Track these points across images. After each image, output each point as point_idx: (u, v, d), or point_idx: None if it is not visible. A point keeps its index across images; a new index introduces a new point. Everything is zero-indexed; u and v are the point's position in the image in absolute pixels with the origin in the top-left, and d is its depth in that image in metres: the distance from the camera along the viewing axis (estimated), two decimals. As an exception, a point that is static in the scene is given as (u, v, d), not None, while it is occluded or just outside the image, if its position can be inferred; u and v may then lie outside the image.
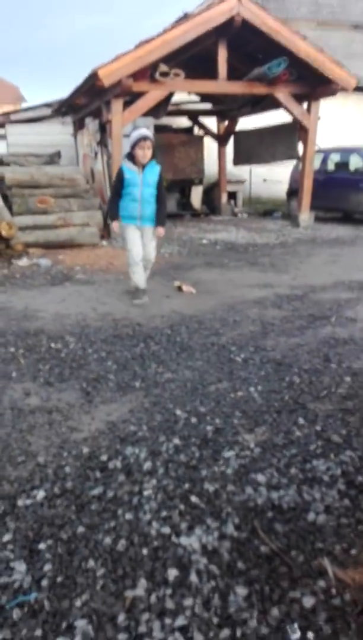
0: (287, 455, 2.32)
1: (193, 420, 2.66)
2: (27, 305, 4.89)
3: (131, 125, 11.79)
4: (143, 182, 4.66)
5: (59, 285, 5.73)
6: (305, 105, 9.93)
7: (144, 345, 3.76)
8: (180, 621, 1.48)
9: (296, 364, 3.40)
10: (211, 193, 13.46)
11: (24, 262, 6.95)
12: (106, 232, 8.75)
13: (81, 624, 1.47)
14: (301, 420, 2.64)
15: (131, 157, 4.67)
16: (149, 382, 3.13)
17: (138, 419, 2.68)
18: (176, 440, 2.45)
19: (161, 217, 4.82)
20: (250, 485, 2.10)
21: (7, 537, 1.81)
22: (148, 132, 4.71)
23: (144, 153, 4.57)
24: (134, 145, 4.59)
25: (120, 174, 4.73)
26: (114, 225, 4.93)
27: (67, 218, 8.23)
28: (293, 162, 11.69)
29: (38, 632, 1.44)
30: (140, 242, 4.84)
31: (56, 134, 12.51)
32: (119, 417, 2.71)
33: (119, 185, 4.76)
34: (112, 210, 4.93)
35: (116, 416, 2.72)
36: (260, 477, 2.15)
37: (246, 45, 9.71)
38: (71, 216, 8.31)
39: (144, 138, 4.55)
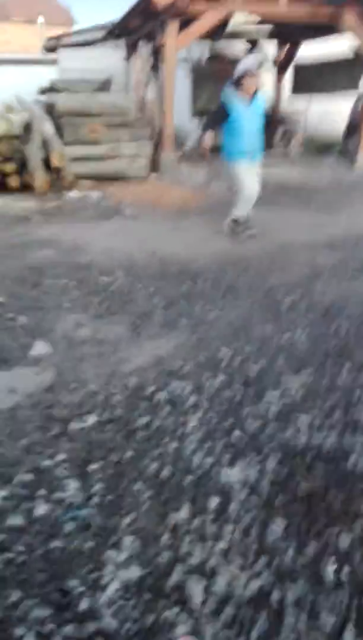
0: (332, 399, 2.34)
1: (238, 359, 2.69)
2: (77, 237, 4.94)
3: (185, 50, 11.21)
4: (252, 114, 4.54)
5: (109, 220, 5.73)
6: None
7: (192, 283, 3.76)
8: (221, 545, 1.57)
9: (345, 309, 3.34)
10: (266, 126, 12.87)
11: (74, 194, 6.95)
12: (155, 165, 8.57)
13: (128, 540, 1.58)
14: (347, 366, 2.62)
15: (236, 86, 4.46)
16: (195, 320, 3.16)
17: (183, 354, 2.73)
18: (221, 377, 2.50)
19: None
20: (292, 426, 2.14)
21: (60, 457, 1.94)
22: (256, 60, 4.82)
23: (254, 83, 4.41)
24: (243, 75, 4.41)
25: (223, 107, 4.53)
26: (207, 139, 4.62)
27: (117, 149, 8.08)
28: (354, 97, 10.93)
29: (88, 544, 1.57)
30: (252, 176, 4.73)
31: (109, 59, 12.06)
32: (166, 352, 2.77)
33: (219, 116, 4.56)
34: (207, 124, 4.73)
35: (162, 351, 2.78)
36: (303, 419, 2.19)
37: None
38: (121, 147, 8.15)
39: (254, 68, 4.48)
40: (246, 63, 4.47)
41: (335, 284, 3.80)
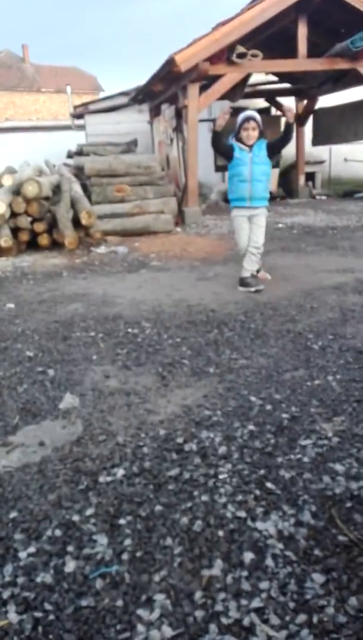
0: (367, 446, 2.26)
1: (268, 407, 2.64)
2: (105, 291, 5.06)
3: (206, 111, 11.73)
4: (252, 161, 4.55)
5: (135, 272, 5.86)
6: (390, 79, 9.39)
7: (218, 331, 3.77)
8: (256, 603, 1.50)
9: (377, 352, 3.28)
10: (288, 175, 13.13)
11: (102, 249, 7.17)
12: (179, 219, 8.82)
13: (159, 598, 1.53)
14: (382, 411, 2.55)
15: (238, 139, 4.61)
16: (223, 368, 3.15)
17: (212, 404, 2.71)
18: (251, 427, 2.46)
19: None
20: (328, 474, 2.07)
21: (90, 511, 1.91)
22: (254, 113, 4.61)
23: (249, 135, 4.50)
24: (239, 128, 4.54)
25: (231, 147, 4.61)
26: (225, 112, 4.49)
27: (143, 206, 8.37)
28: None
29: (119, 602, 1.52)
30: (246, 231, 4.75)
31: (133, 122, 12.71)
32: (194, 401, 2.75)
33: (225, 149, 4.64)
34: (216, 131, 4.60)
35: (191, 400, 2.77)
36: (339, 467, 2.11)
37: (327, 19, 9.34)
38: (147, 204, 8.44)
39: (248, 119, 4.48)
40: (239, 118, 4.53)
41: (365, 327, 3.74)
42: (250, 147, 4.54)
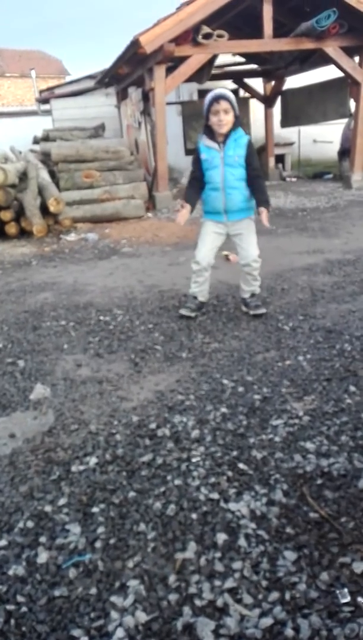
0: (337, 423, 2.29)
1: (240, 389, 2.66)
2: (76, 279, 4.99)
3: (174, 93, 11.57)
4: (225, 162, 3.43)
5: (106, 259, 5.80)
6: (356, 59, 9.39)
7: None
8: (229, 583, 1.51)
9: (347, 331, 3.32)
10: (257, 157, 13.11)
11: (72, 237, 7.06)
12: (150, 204, 8.73)
13: (133, 584, 1.53)
14: (352, 388, 2.58)
15: (208, 130, 3.46)
16: (196, 353, 3.15)
17: (185, 388, 2.71)
18: (224, 409, 2.46)
19: (262, 197, 3.48)
20: (299, 453, 2.09)
21: (62, 501, 1.89)
22: (225, 90, 3.42)
23: (220, 120, 3.34)
24: (207, 112, 3.39)
25: (196, 155, 3.56)
26: (183, 214, 3.53)
27: (113, 191, 8.26)
28: (345, 120, 11.17)
29: (93, 591, 1.51)
30: (211, 244, 3.69)
31: (100, 106, 12.48)
32: (167, 386, 2.75)
33: (196, 170, 3.57)
34: (187, 193, 3.63)
35: (163, 386, 2.76)
36: (309, 445, 2.14)
37: (292, -2, 9.24)
38: (116, 189, 8.33)
39: (217, 98, 3.32)
40: (206, 99, 3.40)
41: (335, 306, 3.78)
42: (222, 142, 3.42)
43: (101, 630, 1.39)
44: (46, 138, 10.17)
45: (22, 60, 36.40)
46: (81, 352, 3.26)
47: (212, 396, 2.60)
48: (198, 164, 3.55)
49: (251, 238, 3.69)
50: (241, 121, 3.56)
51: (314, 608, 1.41)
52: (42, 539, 1.72)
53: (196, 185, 3.60)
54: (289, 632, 1.35)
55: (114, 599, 1.48)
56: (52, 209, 7.17)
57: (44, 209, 7.22)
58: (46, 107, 13.73)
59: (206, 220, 3.71)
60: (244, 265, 3.72)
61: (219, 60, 10.48)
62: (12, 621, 1.42)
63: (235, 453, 2.12)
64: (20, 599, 1.49)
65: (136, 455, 2.15)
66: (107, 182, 8.36)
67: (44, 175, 7.90)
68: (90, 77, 13.22)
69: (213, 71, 10.18)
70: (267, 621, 1.38)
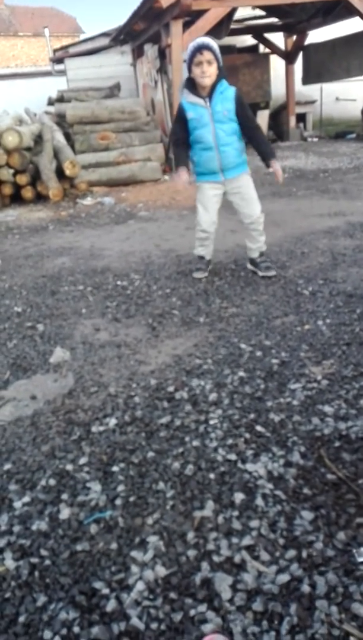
0: (356, 387, 2.28)
1: (258, 353, 2.65)
2: (93, 244, 4.97)
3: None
4: (214, 118, 3.29)
5: (123, 224, 5.75)
6: (383, 9, 8.94)
7: (208, 281, 3.74)
8: (247, 541, 1.54)
9: (367, 295, 3.26)
10: (278, 117, 12.71)
11: (88, 201, 7.00)
12: (168, 167, 8.58)
13: (153, 539, 1.57)
14: (371, 352, 2.56)
15: (190, 84, 3.29)
16: (213, 317, 3.14)
17: (202, 352, 2.71)
18: (241, 373, 2.47)
19: (266, 149, 3.51)
20: (317, 416, 2.10)
21: (83, 460, 1.94)
22: (208, 40, 3.22)
23: (203, 71, 3.16)
24: (190, 62, 3.20)
25: (180, 113, 3.39)
26: (182, 176, 3.44)
27: (129, 154, 8.12)
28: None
29: (113, 546, 1.56)
30: (212, 208, 3.62)
31: (115, 65, 12.17)
32: (185, 350, 2.75)
33: (179, 130, 3.43)
34: (177, 156, 3.54)
35: (181, 350, 2.77)
36: (327, 408, 2.14)
37: None
38: (133, 151, 8.19)
39: (200, 48, 3.14)
40: (189, 49, 3.18)
41: (357, 270, 3.72)
42: (207, 96, 3.28)
43: (121, 583, 1.44)
44: (61, 99, 9.98)
45: (35, 18, 35.48)
46: (99, 317, 3.28)
47: (230, 360, 2.60)
48: (182, 123, 3.40)
49: (252, 193, 3.60)
50: (225, 73, 3.37)
51: (330, 566, 1.44)
52: (64, 496, 1.76)
53: (183, 147, 3.48)
54: (305, 588, 1.38)
55: (134, 553, 1.52)
56: (68, 172, 7.10)
57: (60, 173, 7.14)
58: (60, 67, 13.45)
59: (202, 183, 3.60)
60: (249, 224, 3.65)
61: (238, 14, 10.06)
62: (37, 573, 1.48)
63: (252, 416, 2.13)
64: (43, 552, 1.55)
65: (154, 417, 2.17)
66: (123, 144, 8.22)
67: (59, 137, 7.79)
68: (105, 34, 12.87)
69: (232, 26, 9.79)
70: (284, 577, 1.41)
